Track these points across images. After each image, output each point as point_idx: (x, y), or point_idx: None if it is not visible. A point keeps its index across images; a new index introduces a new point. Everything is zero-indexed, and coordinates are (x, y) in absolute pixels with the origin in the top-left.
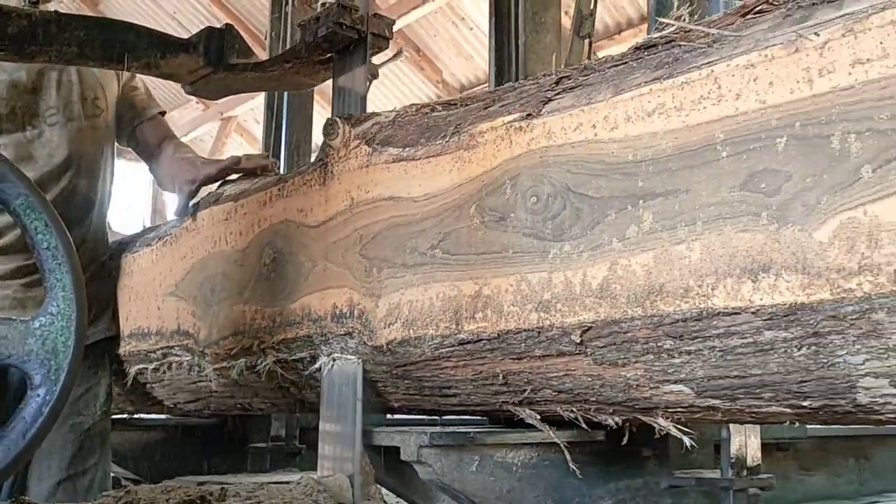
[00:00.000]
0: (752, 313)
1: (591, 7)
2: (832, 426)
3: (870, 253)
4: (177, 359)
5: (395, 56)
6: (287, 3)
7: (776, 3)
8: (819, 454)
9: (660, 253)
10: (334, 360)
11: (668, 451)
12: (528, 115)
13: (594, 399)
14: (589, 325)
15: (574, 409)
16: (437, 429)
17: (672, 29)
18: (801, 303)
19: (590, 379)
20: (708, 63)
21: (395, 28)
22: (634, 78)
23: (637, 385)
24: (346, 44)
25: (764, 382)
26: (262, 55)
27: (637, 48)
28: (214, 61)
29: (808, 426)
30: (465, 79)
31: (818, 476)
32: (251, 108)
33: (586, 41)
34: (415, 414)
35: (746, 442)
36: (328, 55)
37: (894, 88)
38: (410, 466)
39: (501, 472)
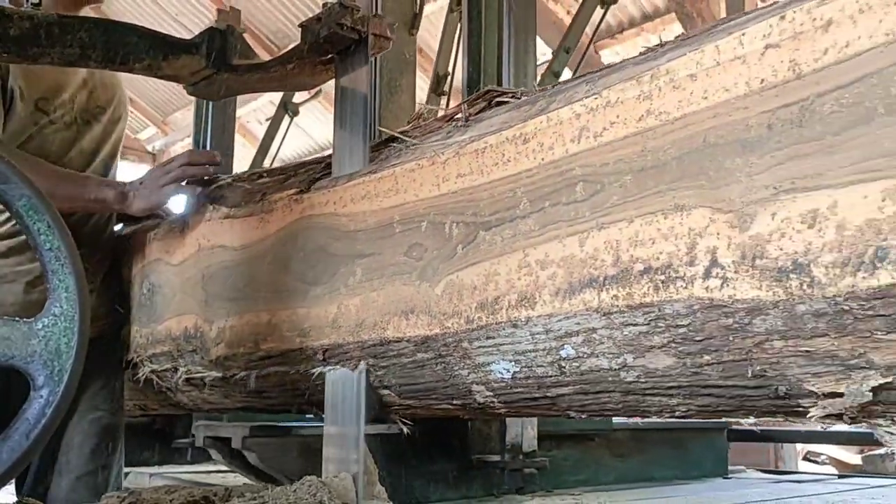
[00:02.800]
0: (407, 341)
1: (448, 68)
2: (648, 420)
3: (458, 302)
4: None
5: (315, 95)
6: None
7: (467, 113)
8: (634, 443)
9: (364, 297)
10: (336, 365)
11: (468, 440)
12: (302, 190)
13: None
14: (328, 346)
15: None
16: (260, 423)
17: (411, 125)
18: (427, 335)
19: None
20: (394, 164)
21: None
22: (361, 169)
23: (376, 387)
24: (348, 44)
25: (428, 388)
26: (264, 56)
27: (386, 140)
28: (216, 62)
29: (624, 419)
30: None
31: (633, 462)
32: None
33: (443, 98)
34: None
35: (523, 432)
36: (329, 56)
37: (475, 194)
38: (241, 453)
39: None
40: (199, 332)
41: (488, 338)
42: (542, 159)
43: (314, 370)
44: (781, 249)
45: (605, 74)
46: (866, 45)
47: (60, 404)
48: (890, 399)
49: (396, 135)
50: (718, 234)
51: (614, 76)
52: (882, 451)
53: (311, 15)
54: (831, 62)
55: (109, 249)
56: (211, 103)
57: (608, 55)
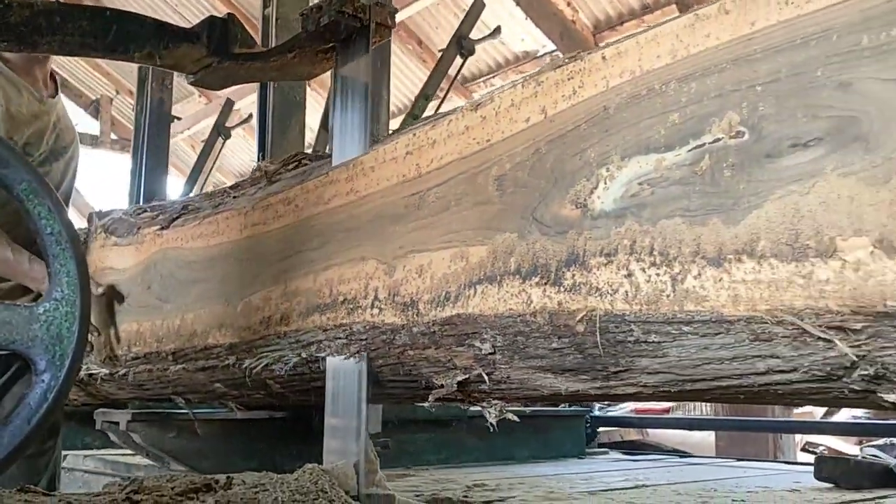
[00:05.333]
0: (220, 347)
1: None
2: (514, 408)
3: (249, 319)
4: None
5: (247, 119)
6: None
7: (269, 174)
8: (499, 428)
9: (196, 313)
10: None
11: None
12: (163, 227)
13: (200, 392)
14: (174, 350)
15: (199, 397)
16: (144, 410)
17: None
18: (232, 342)
19: (189, 381)
20: (217, 212)
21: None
22: (202, 212)
23: (205, 383)
24: (349, 33)
25: (240, 382)
26: None
27: (231, 186)
28: (217, 51)
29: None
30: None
31: (495, 443)
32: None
33: None
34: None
35: (368, 416)
36: (330, 45)
37: (263, 239)
38: (128, 434)
39: (196, 438)
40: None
41: (266, 345)
42: (298, 217)
43: (168, 368)
44: (406, 290)
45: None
46: (449, 159)
47: (62, 389)
48: (476, 389)
49: (227, 189)
50: (379, 278)
51: (364, 157)
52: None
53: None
54: (434, 168)
55: None
56: (147, 129)
57: None
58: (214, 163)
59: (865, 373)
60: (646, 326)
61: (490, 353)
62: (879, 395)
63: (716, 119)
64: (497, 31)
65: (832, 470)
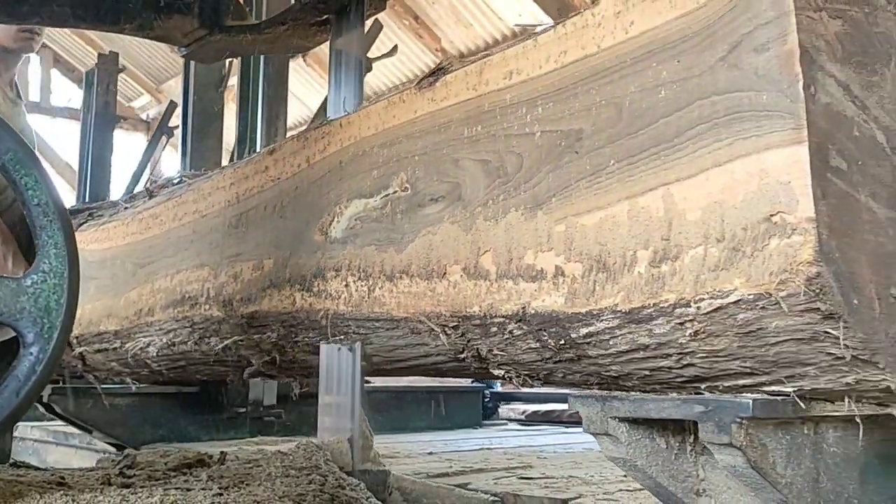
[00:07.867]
0: (108, 333)
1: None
2: (413, 384)
3: (128, 310)
4: None
5: (173, 131)
6: None
7: (151, 189)
8: (392, 401)
9: (93, 305)
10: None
11: (227, 395)
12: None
13: (102, 370)
14: (77, 335)
15: (103, 374)
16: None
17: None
18: (117, 329)
19: (92, 361)
20: (108, 222)
21: None
22: (101, 220)
23: (103, 362)
24: (343, 5)
25: (127, 363)
26: None
27: (125, 199)
28: (210, 23)
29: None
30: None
31: (390, 415)
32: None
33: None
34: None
35: (264, 391)
36: (325, 17)
37: (138, 246)
38: (51, 405)
39: (112, 409)
40: None
41: (140, 331)
42: (161, 229)
43: (73, 350)
44: (226, 291)
45: (200, 181)
46: (256, 191)
47: (50, 362)
48: (279, 366)
49: (120, 200)
50: (210, 281)
51: (205, 184)
52: None
53: None
54: (248, 197)
55: None
56: (93, 131)
57: None
58: (157, 161)
59: (466, 356)
60: (357, 322)
61: (279, 340)
62: (491, 370)
63: (395, 177)
64: (394, 50)
65: None
